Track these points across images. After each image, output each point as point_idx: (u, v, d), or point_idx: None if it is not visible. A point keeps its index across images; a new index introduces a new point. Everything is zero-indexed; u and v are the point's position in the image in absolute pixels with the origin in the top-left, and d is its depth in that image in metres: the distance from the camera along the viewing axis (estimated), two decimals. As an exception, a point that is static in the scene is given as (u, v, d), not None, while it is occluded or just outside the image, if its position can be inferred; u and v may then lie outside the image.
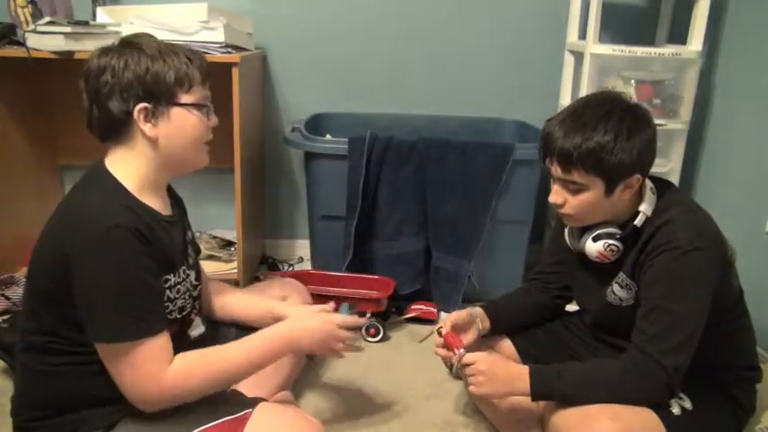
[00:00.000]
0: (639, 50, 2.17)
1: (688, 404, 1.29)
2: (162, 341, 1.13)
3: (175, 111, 1.18)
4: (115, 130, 1.17)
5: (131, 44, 1.16)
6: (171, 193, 1.34)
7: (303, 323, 1.33)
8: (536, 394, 1.30)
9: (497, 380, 1.32)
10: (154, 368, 1.11)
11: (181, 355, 1.16)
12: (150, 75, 1.14)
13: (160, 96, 1.15)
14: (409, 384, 1.84)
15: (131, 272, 1.09)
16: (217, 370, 1.18)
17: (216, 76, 2.02)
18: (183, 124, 1.19)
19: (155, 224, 1.17)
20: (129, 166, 1.18)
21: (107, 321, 1.08)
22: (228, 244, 2.53)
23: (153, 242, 1.13)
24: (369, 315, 1.37)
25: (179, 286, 1.24)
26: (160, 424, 1.15)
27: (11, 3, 2.08)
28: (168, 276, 1.20)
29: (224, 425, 1.15)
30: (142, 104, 1.14)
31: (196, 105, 1.20)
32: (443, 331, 1.47)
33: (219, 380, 1.19)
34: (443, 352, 1.46)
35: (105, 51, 1.16)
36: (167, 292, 1.20)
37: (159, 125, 1.17)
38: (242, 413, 1.17)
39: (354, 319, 1.38)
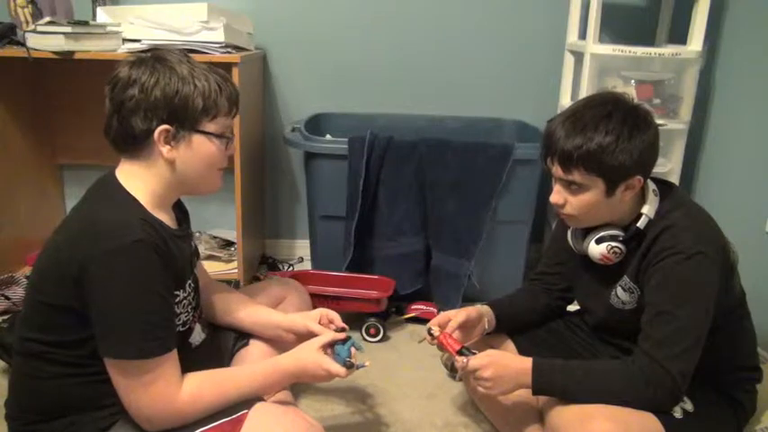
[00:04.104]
0: (639, 50, 2.17)
1: (689, 406, 1.29)
2: (173, 359, 1.12)
3: (196, 137, 1.16)
4: (132, 145, 1.15)
5: (164, 61, 1.14)
6: (178, 206, 1.33)
7: (306, 364, 1.27)
8: (537, 389, 1.30)
9: (503, 381, 1.32)
10: (167, 388, 1.10)
11: (192, 376, 1.15)
12: (179, 98, 1.12)
13: (184, 121, 1.14)
14: (409, 384, 1.85)
15: (152, 288, 1.08)
16: (226, 394, 1.17)
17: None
18: (201, 151, 1.18)
19: (168, 239, 1.16)
20: (141, 182, 1.17)
21: (124, 338, 1.07)
22: (228, 244, 2.53)
23: (169, 259, 1.13)
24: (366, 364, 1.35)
25: (184, 301, 1.24)
26: None
27: (11, 3, 2.08)
28: (178, 292, 1.20)
29: (221, 426, 1.14)
30: (164, 126, 1.13)
31: (217, 136, 1.19)
32: (435, 331, 1.45)
33: (225, 404, 1.17)
34: (437, 343, 1.45)
35: (138, 63, 1.14)
36: (175, 307, 1.20)
37: (178, 149, 1.16)
38: (239, 414, 1.16)
39: (348, 371, 1.30)
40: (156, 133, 1.13)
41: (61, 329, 1.12)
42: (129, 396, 1.10)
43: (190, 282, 1.27)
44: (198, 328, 1.35)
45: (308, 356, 1.27)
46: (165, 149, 1.14)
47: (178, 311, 1.21)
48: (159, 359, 1.09)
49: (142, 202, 1.15)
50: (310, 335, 1.42)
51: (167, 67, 1.13)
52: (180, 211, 1.34)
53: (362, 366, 1.33)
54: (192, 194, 1.26)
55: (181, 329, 1.24)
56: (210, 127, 1.17)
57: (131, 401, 1.10)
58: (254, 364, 1.30)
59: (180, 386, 1.12)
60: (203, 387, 1.15)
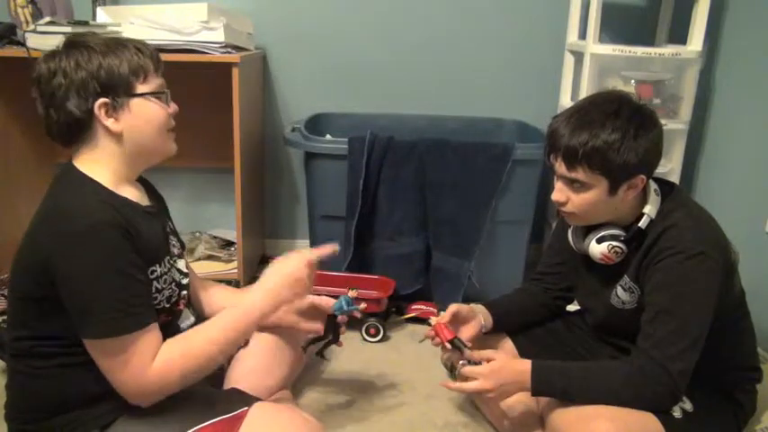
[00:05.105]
0: (639, 50, 2.17)
1: (688, 406, 1.29)
2: (152, 334, 1.12)
3: (135, 102, 1.17)
4: (78, 131, 1.16)
5: (78, 43, 1.15)
6: (151, 190, 1.34)
7: (266, 284, 1.28)
8: (537, 390, 1.30)
9: (506, 387, 1.32)
10: (140, 362, 1.10)
11: (163, 346, 1.14)
12: (104, 70, 1.13)
13: (117, 89, 1.15)
14: (409, 384, 1.85)
15: (116, 267, 1.08)
16: (198, 354, 1.16)
17: (216, 76, 2.05)
18: (144, 114, 1.18)
19: (134, 216, 1.17)
20: (98, 165, 1.17)
21: (95, 318, 1.07)
22: (228, 244, 2.53)
23: (135, 235, 1.13)
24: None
25: (165, 276, 1.23)
26: (156, 424, 1.15)
27: (11, 3, 2.08)
28: (154, 268, 1.20)
29: (220, 423, 1.15)
30: (102, 100, 1.13)
31: (154, 94, 1.19)
32: (432, 321, 1.48)
33: (205, 363, 1.16)
34: (437, 341, 1.47)
35: (52, 55, 1.15)
36: (154, 282, 1.19)
37: (121, 118, 1.16)
38: (238, 411, 1.17)
39: (318, 252, 1.32)
40: (96, 109, 1.13)
41: (43, 321, 1.13)
42: (112, 375, 1.11)
43: (168, 258, 1.26)
44: (187, 312, 1.35)
45: (265, 278, 1.26)
46: (109, 123, 1.15)
47: (159, 287, 1.21)
48: (135, 335, 1.09)
49: (103, 182, 1.16)
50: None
51: (82, 48, 1.14)
52: (153, 194, 1.34)
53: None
54: (151, 164, 1.26)
55: (166, 305, 1.23)
56: (144, 88, 1.18)
57: (114, 380, 1.11)
58: (220, 316, 1.24)
59: (153, 361, 1.11)
60: (173, 353, 1.13)
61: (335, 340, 1.55)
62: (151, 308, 1.16)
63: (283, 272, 1.29)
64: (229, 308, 1.24)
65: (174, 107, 1.24)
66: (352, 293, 1.53)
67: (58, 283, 1.07)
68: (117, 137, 1.17)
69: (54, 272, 1.07)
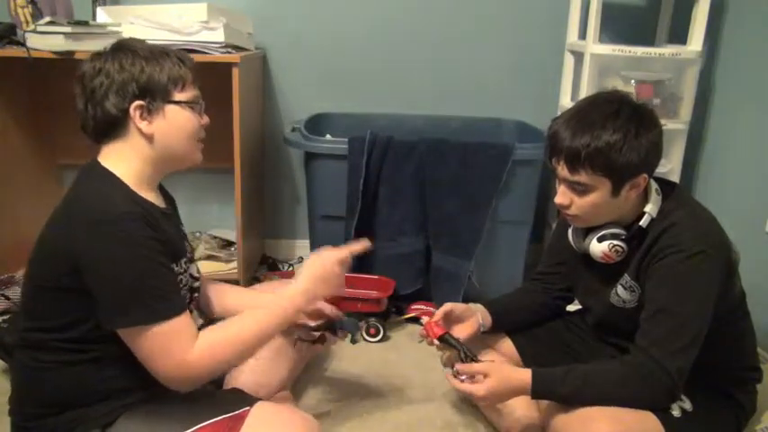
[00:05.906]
0: (639, 50, 2.17)
1: (688, 405, 1.29)
2: (186, 319, 1.13)
3: (170, 108, 1.20)
4: (111, 128, 1.18)
5: (124, 47, 1.19)
6: (165, 194, 1.36)
7: (300, 288, 1.30)
8: (537, 397, 1.31)
9: (501, 395, 1.33)
10: (181, 347, 1.11)
11: (203, 335, 1.16)
12: (145, 74, 1.17)
13: (155, 94, 1.18)
14: (409, 384, 1.85)
15: (144, 255, 1.10)
16: (237, 342, 1.18)
17: (216, 76, 2.04)
18: (177, 121, 1.21)
19: (156, 214, 1.19)
20: (125, 163, 1.19)
21: (128, 306, 1.08)
22: (228, 244, 2.53)
23: (160, 231, 1.15)
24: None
25: (181, 277, 1.25)
26: (158, 421, 1.16)
27: (11, 3, 2.07)
28: (173, 266, 1.21)
29: (222, 422, 1.16)
30: (138, 102, 1.16)
31: (189, 103, 1.22)
32: (423, 320, 1.51)
33: (240, 351, 1.19)
34: (429, 340, 1.48)
35: (99, 55, 1.19)
36: None
37: (155, 122, 1.19)
38: (240, 411, 1.18)
39: (350, 249, 1.35)
40: (132, 110, 1.16)
41: (56, 313, 1.14)
42: (153, 363, 1.11)
43: (184, 260, 1.29)
44: (196, 314, 1.37)
45: (301, 277, 1.29)
46: (143, 125, 1.18)
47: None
48: (170, 321, 1.10)
49: (126, 182, 1.18)
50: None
51: (127, 52, 1.18)
52: (165, 196, 1.36)
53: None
54: (174, 169, 1.28)
55: None
56: (181, 96, 1.21)
57: (155, 367, 1.12)
58: (257, 310, 1.27)
59: (192, 346, 1.12)
60: (215, 339, 1.15)
61: (322, 340, 1.56)
62: (181, 294, 1.18)
63: (318, 271, 1.31)
64: (267, 304, 1.26)
65: (206, 119, 1.27)
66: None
67: (85, 274, 1.08)
68: (148, 138, 1.19)
69: (78, 263, 1.08)
